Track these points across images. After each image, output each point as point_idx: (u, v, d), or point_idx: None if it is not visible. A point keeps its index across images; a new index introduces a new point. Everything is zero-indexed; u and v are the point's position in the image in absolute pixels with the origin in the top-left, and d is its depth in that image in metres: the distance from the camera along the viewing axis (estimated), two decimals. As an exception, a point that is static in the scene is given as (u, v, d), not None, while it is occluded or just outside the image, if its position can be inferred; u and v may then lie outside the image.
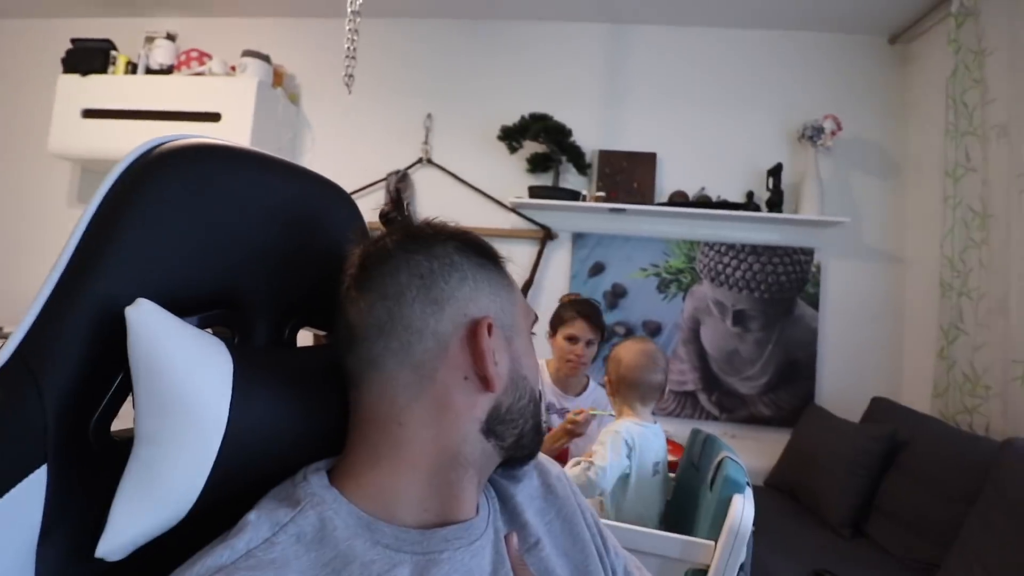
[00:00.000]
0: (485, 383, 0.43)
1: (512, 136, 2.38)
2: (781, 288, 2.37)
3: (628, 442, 1.25)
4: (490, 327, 0.43)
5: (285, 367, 0.46)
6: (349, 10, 1.63)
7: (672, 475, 1.47)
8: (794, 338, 2.35)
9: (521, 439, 0.47)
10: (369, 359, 0.43)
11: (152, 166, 0.41)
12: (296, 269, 0.50)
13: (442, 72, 2.62)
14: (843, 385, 2.32)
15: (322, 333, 0.55)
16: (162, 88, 2.46)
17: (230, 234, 0.45)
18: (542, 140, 2.36)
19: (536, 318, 0.53)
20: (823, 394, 2.32)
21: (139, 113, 2.43)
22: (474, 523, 0.44)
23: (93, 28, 2.69)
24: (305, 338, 0.54)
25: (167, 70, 2.52)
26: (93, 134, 2.45)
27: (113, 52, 2.54)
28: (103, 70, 2.52)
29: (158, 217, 0.41)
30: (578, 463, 1.32)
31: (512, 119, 2.37)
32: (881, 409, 2.03)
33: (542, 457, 0.56)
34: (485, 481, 0.48)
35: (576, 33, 2.57)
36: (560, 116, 2.36)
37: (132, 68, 2.54)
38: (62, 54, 2.52)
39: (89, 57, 2.51)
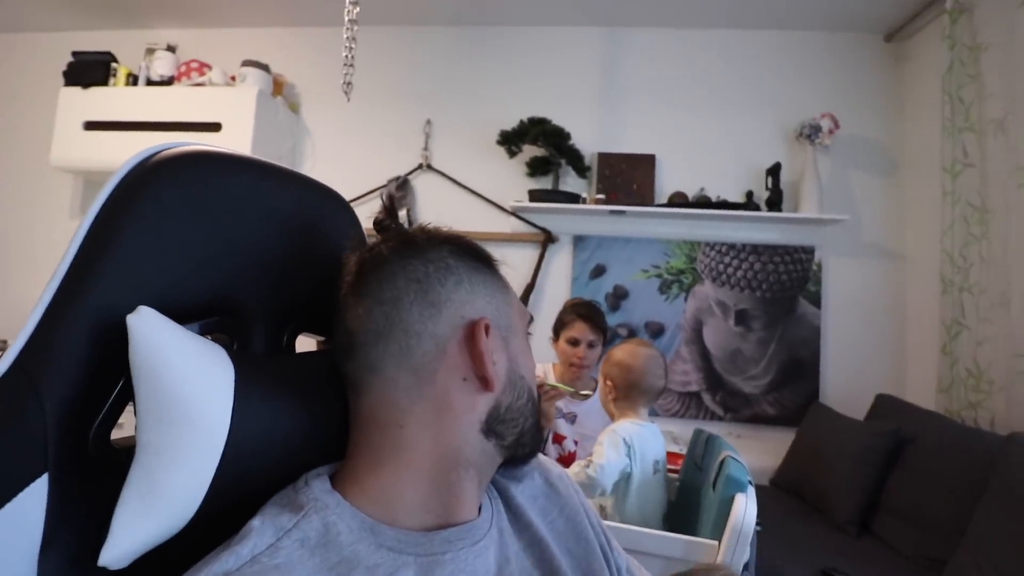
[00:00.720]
0: (484, 383, 0.44)
1: (511, 140, 2.39)
2: (783, 287, 2.37)
3: (626, 440, 1.25)
4: (487, 328, 0.44)
5: (285, 374, 0.46)
6: (346, 19, 1.64)
7: (675, 476, 1.47)
8: (797, 336, 2.35)
9: (521, 438, 0.48)
10: (368, 364, 0.43)
11: (150, 173, 0.42)
12: (294, 275, 0.50)
13: (441, 78, 2.63)
14: (847, 383, 2.31)
15: (321, 339, 0.56)
16: (163, 99, 2.48)
17: (228, 241, 0.45)
18: (541, 144, 2.37)
19: (531, 319, 0.54)
20: (827, 392, 2.32)
21: (140, 124, 2.44)
22: (476, 524, 0.44)
23: (94, 41, 2.72)
24: (304, 344, 0.55)
25: (168, 81, 2.54)
26: (95, 146, 2.47)
27: (114, 64, 2.56)
28: (104, 82, 2.54)
29: (157, 224, 0.41)
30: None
31: (511, 123, 2.39)
32: (885, 406, 2.02)
33: (542, 457, 0.56)
34: (487, 482, 0.48)
35: (572, 37, 2.59)
36: (559, 120, 2.37)
37: (133, 80, 2.56)
38: (63, 67, 2.54)
39: (90, 70, 2.53)
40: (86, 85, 2.52)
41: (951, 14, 1.97)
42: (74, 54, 2.57)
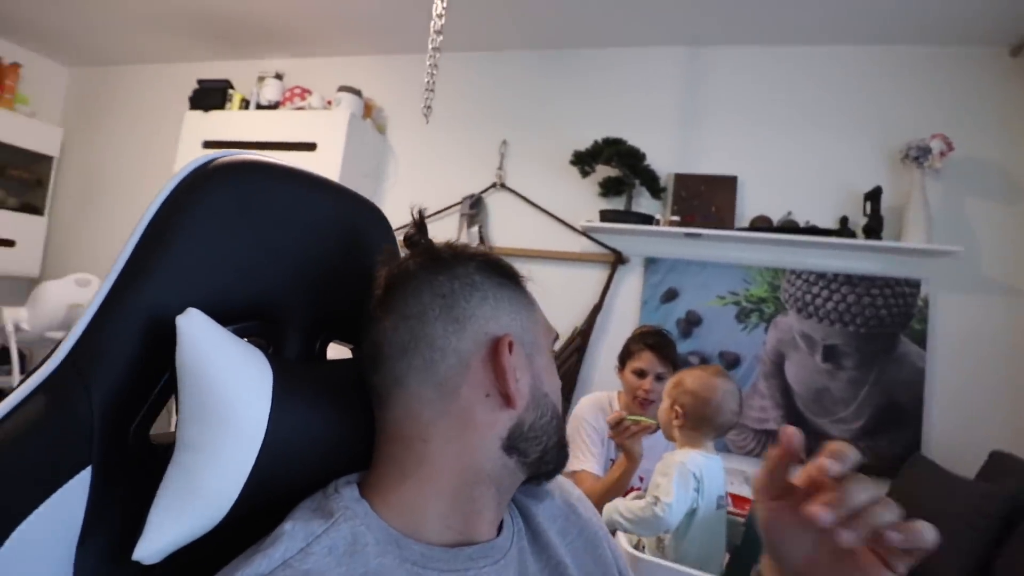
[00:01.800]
0: (507, 400, 0.44)
1: (584, 160, 2.38)
2: (881, 323, 2.15)
3: (696, 475, 1.18)
4: (511, 345, 0.44)
5: (319, 380, 0.48)
6: (430, 47, 1.73)
7: (741, 519, 1.36)
8: (897, 379, 2.12)
9: (545, 455, 0.47)
10: (393, 377, 0.44)
11: (206, 179, 0.44)
12: (331, 285, 0.51)
13: (517, 100, 2.69)
14: (955, 435, 2.05)
15: (351, 346, 0.57)
16: (269, 121, 2.73)
17: (272, 248, 0.48)
18: (615, 164, 2.34)
19: (556, 336, 0.53)
20: (930, 444, 2.06)
21: (250, 144, 2.70)
22: (497, 543, 0.44)
23: (213, 70, 3.06)
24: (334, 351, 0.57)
25: (274, 105, 2.80)
26: (210, 163, 2.76)
27: (230, 90, 2.87)
28: (222, 106, 2.84)
29: (208, 229, 0.43)
30: (640, 497, 1.27)
31: (585, 144, 2.38)
32: (1002, 465, 1.76)
33: (562, 479, 0.56)
34: (508, 499, 0.48)
35: (653, 57, 2.55)
36: (635, 140, 2.33)
37: (245, 104, 2.84)
38: (189, 93, 2.88)
39: (211, 95, 2.85)
40: (207, 108, 2.83)
41: (1095, 22, 1.73)
42: (199, 82, 2.90)
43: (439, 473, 0.43)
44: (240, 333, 0.45)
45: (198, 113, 2.85)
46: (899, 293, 2.15)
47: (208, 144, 2.79)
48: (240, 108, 2.84)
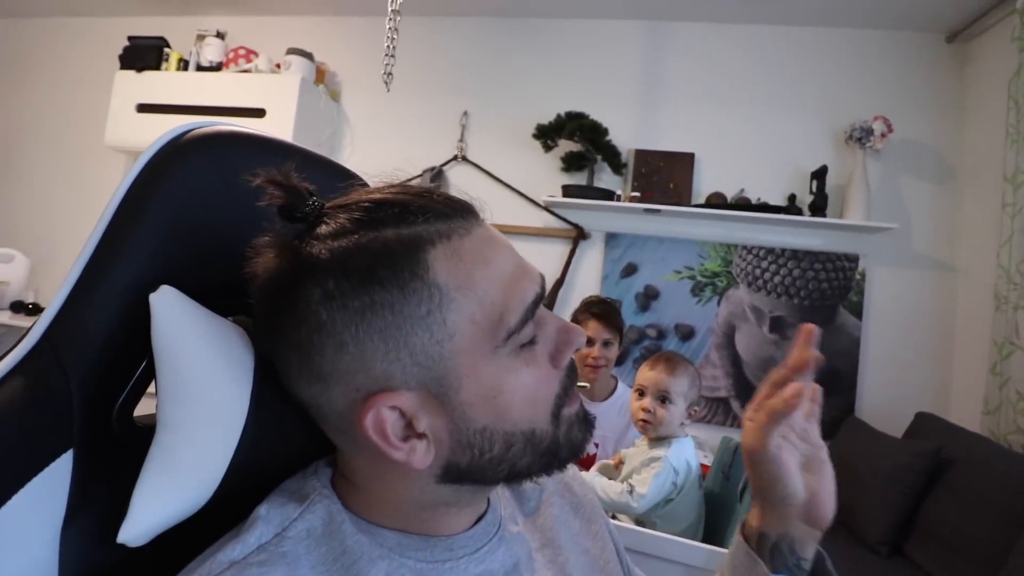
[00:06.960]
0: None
1: (547, 134, 2.37)
2: (822, 295, 2.28)
3: (676, 469, 1.22)
4: (392, 405, 0.35)
5: None
6: (390, 9, 1.65)
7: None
8: (835, 348, 2.26)
9: (531, 470, 0.39)
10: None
11: (180, 151, 0.41)
12: None
13: (479, 70, 2.63)
14: (886, 398, 2.22)
15: None
16: (211, 84, 2.56)
17: (254, 223, 0.45)
18: (577, 139, 2.34)
19: (541, 289, 0.39)
20: (864, 407, 2.23)
21: (190, 108, 2.52)
22: (477, 531, 0.42)
23: (148, 26, 2.81)
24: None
25: (216, 67, 2.62)
26: (146, 128, 2.57)
27: (166, 49, 2.65)
28: (157, 66, 2.63)
29: (184, 203, 0.41)
30: (607, 466, 1.32)
31: (548, 118, 2.36)
32: (926, 425, 1.93)
33: None
34: (484, 495, 0.44)
35: (615, 31, 2.54)
36: (597, 115, 2.33)
37: (184, 65, 2.64)
38: (120, 51, 2.65)
39: (144, 54, 2.63)
40: (140, 69, 2.62)
41: (1022, 14, 1.86)
42: (130, 39, 2.67)
43: (379, 500, 0.40)
44: (225, 310, 0.43)
45: (130, 73, 2.63)
46: (839, 267, 2.29)
47: (142, 107, 2.59)
48: (178, 69, 2.64)
